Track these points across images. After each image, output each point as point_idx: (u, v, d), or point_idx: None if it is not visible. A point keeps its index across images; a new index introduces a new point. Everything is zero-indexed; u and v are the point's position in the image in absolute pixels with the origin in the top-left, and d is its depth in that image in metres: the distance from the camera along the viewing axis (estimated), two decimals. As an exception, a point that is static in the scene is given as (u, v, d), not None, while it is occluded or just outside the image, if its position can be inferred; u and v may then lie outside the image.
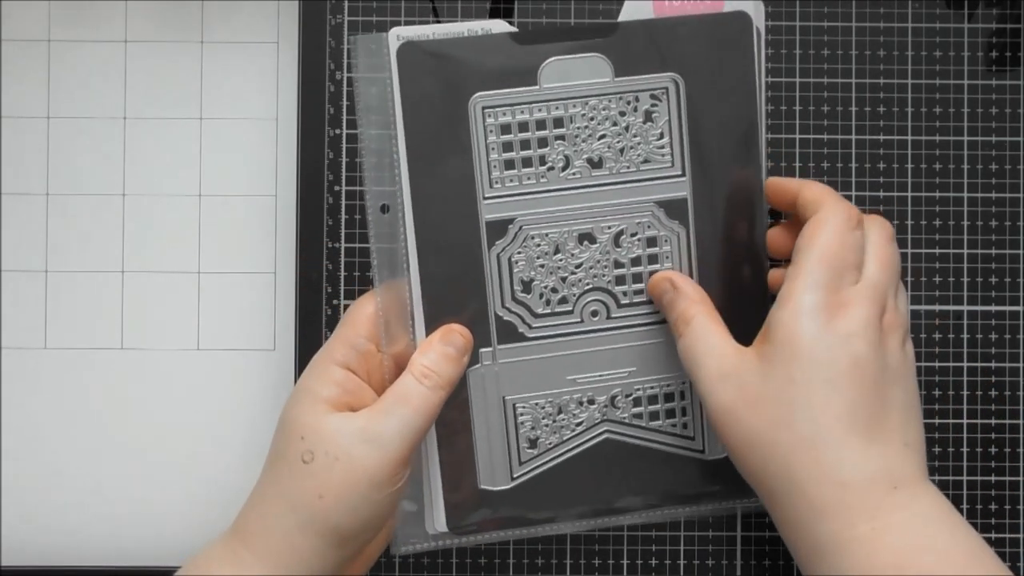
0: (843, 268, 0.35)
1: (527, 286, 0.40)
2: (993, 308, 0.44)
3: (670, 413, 0.41)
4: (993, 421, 0.42)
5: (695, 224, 0.41)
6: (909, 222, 0.44)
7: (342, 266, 0.44)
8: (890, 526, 0.33)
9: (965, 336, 0.44)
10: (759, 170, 0.40)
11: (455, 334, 0.39)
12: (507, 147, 0.40)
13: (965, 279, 0.44)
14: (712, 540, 0.44)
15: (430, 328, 0.40)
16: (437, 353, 0.38)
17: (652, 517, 0.42)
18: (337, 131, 0.44)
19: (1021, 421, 0.44)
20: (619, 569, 0.44)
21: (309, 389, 0.38)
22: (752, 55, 0.40)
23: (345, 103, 0.44)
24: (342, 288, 0.44)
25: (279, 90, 0.45)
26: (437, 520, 0.41)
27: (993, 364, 0.44)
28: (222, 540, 0.38)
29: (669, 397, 0.41)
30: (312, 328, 0.43)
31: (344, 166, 0.44)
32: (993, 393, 0.44)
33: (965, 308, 0.44)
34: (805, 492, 0.34)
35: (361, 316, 0.39)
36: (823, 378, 0.34)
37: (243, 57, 0.45)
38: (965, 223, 0.44)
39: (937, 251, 0.44)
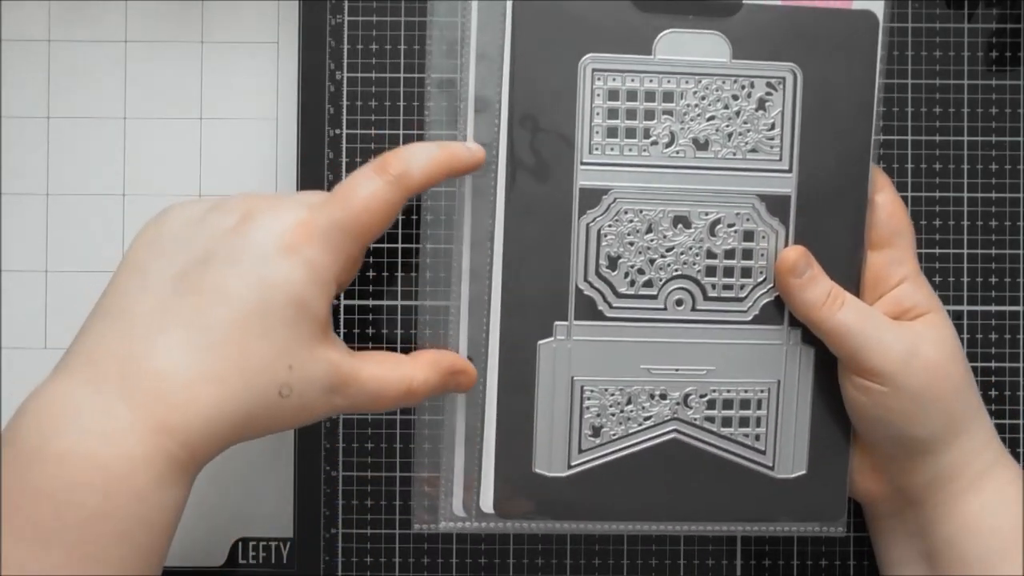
0: None
1: (613, 263, 0.39)
2: (993, 308, 0.44)
3: (743, 421, 0.40)
4: (993, 421, 0.42)
5: (795, 224, 0.39)
6: (911, 222, 0.44)
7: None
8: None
9: (965, 336, 0.44)
10: (867, 181, 0.39)
11: (464, 376, 0.38)
12: (612, 114, 0.39)
13: (965, 279, 0.44)
14: (712, 540, 0.44)
15: (506, 286, 0.39)
16: (434, 383, 0.37)
17: (705, 529, 0.41)
18: (337, 131, 0.44)
19: (1021, 421, 0.44)
20: (619, 569, 0.44)
21: (308, 306, 0.34)
22: (875, 57, 0.39)
23: (345, 103, 0.44)
24: (342, 288, 0.44)
25: (279, 90, 0.45)
26: (484, 500, 0.39)
27: (993, 364, 0.44)
28: (121, 412, 0.32)
29: (745, 404, 0.40)
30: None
31: (344, 166, 0.44)
32: (993, 393, 0.44)
33: (965, 308, 0.44)
34: (986, 419, 0.39)
35: (369, 209, 0.35)
36: None
37: (243, 57, 0.45)
38: (965, 223, 0.44)
39: (937, 251, 0.44)
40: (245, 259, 0.33)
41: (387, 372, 0.36)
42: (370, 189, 0.35)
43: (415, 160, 0.36)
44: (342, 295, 0.44)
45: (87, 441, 0.31)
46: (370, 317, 0.44)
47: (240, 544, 0.44)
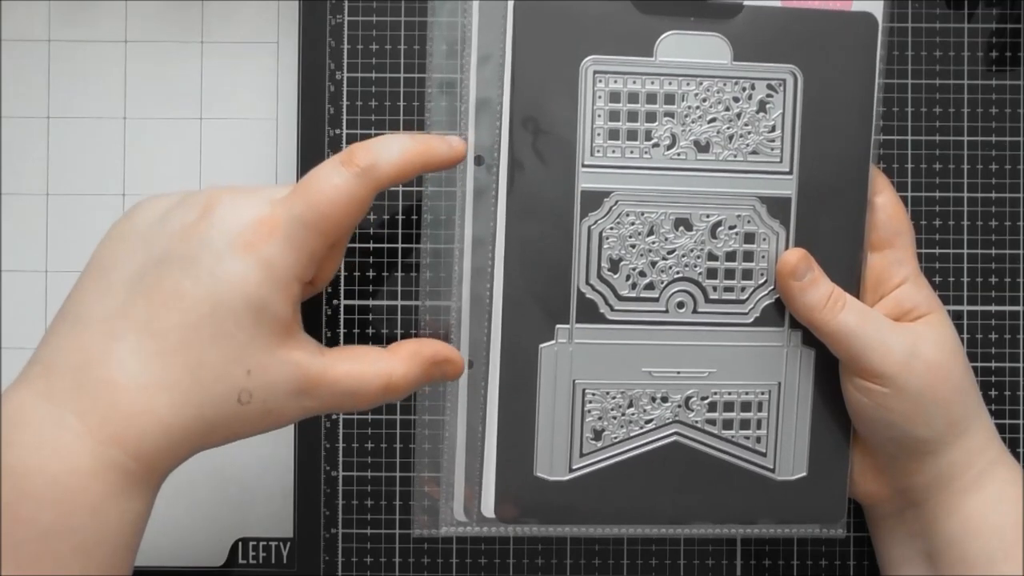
0: None
1: (615, 265, 0.39)
2: (993, 308, 0.44)
3: (744, 424, 0.40)
4: (993, 421, 0.42)
5: (796, 226, 0.39)
6: (911, 223, 0.44)
7: (342, 266, 0.44)
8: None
9: (965, 336, 0.44)
10: (867, 182, 0.39)
11: (449, 364, 0.37)
12: (613, 116, 0.39)
13: (965, 279, 0.44)
14: (712, 540, 0.44)
15: (507, 289, 0.39)
16: (416, 375, 0.36)
17: (708, 532, 0.41)
18: (337, 131, 0.44)
19: (1021, 421, 0.44)
20: (619, 569, 0.44)
21: (266, 307, 0.32)
22: (875, 59, 0.39)
23: (345, 103, 0.44)
24: (342, 288, 0.44)
25: (279, 90, 0.45)
26: (485, 505, 0.39)
27: (993, 364, 0.44)
28: (69, 421, 0.31)
29: (746, 406, 0.40)
30: (312, 328, 0.43)
31: (344, 166, 0.44)
32: (993, 393, 0.44)
33: (965, 308, 0.44)
34: (987, 418, 0.39)
35: (332, 202, 0.33)
36: None
37: (243, 57, 0.45)
38: (965, 223, 0.44)
39: (937, 251, 0.44)
40: (200, 259, 0.32)
41: (363, 368, 0.34)
42: (335, 182, 0.33)
43: (385, 152, 0.34)
44: (342, 295, 0.44)
45: (39, 454, 0.30)
46: (370, 317, 0.44)
47: (240, 544, 0.44)
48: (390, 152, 0.35)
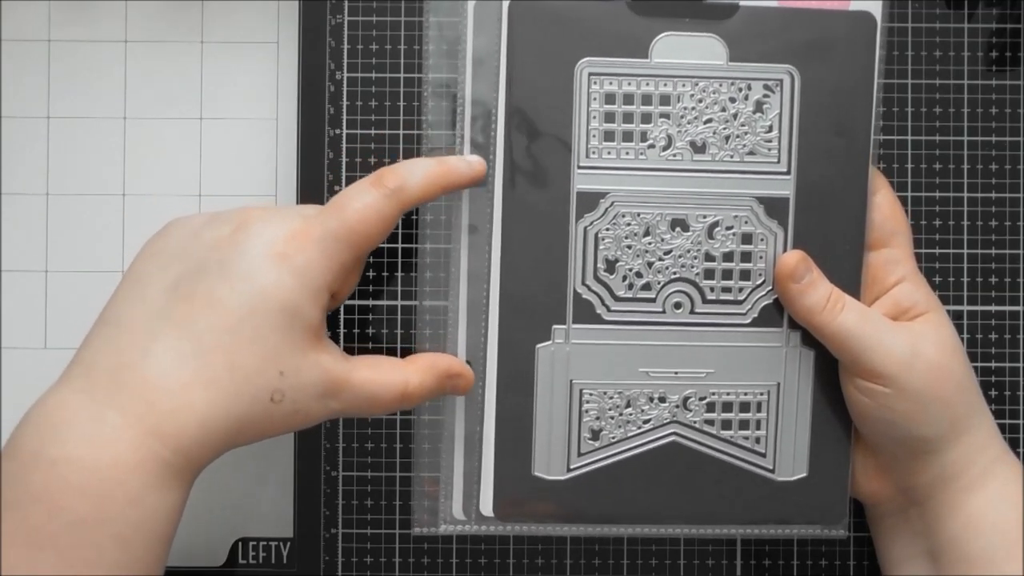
0: None
1: (611, 266, 0.39)
2: (993, 308, 0.44)
3: (744, 424, 0.40)
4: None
5: (795, 227, 0.39)
6: (909, 222, 0.44)
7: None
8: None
9: (965, 336, 0.44)
10: (866, 182, 0.39)
11: (461, 379, 0.39)
12: (609, 118, 0.39)
13: (965, 279, 0.44)
14: (712, 540, 0.44)
15: (504, 289, 0.39)
16: (430, 386, 0.38)
17: (708, 532, 0.41)
18: (337, 131, 0.44)
19: (1021, 421, 0.44)
20: (619, 569, 0.44)
21: (299, 313, 0.34)
22: (874, 59, 0.39)
23: (345, 103, 0.44)
24: (342, 288, 0.44)
25: (279, 90, 0.45)
26: (483, 504, 0.39)
27: (993, 364, 0.44)
28: (122, 425, 0.32)
29: (745, 407, 0.40)
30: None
31: (344, 166, 0.44)
32: (993, 393, 0.44)
33: (965, 308, 0.44)
34: (988, 416, 0.39)
35: (363, 219, 0.36)
36: None
37: (243, 57, 0.45)
38: (965, 223, 0.44)
39: (937, 251, 0.44)
40: (237, 267, 0.34)
41: (382, 376, 0.36)
42: (365, 201, 0.36)
43: (411, 175, 0.37)
44: (342, 295, 0.44)
45: (80, 447, 0.32)
46: (369, 317, 0.44)
47: (240, 544, 0.44)
48: (416, 175, 0.37)
